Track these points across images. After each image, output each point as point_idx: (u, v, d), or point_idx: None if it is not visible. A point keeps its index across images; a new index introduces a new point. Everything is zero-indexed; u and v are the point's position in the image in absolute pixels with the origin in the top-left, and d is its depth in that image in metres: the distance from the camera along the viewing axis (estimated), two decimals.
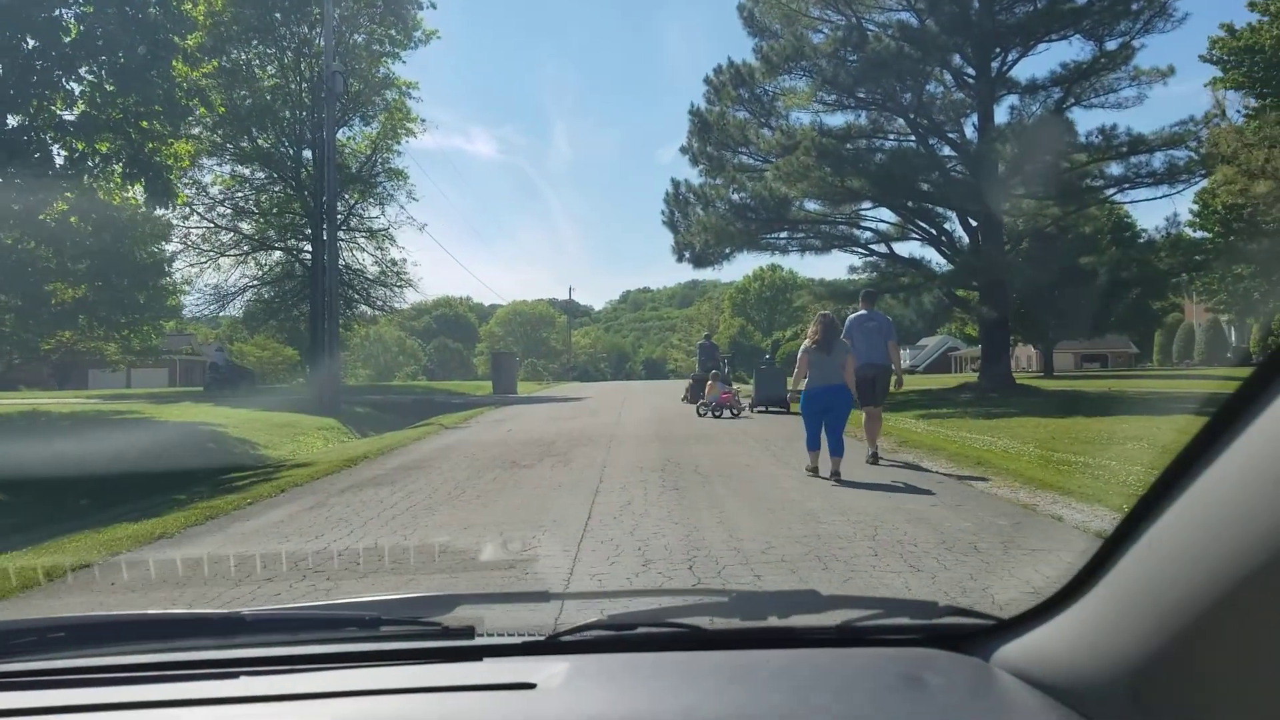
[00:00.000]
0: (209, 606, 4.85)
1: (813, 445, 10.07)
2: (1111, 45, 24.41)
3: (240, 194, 37.33)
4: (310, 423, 20.91)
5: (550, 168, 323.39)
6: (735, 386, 22.05)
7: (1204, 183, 27.86)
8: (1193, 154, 23.61)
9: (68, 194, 19.88)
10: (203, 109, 23.04)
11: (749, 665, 1.62)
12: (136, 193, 22.47)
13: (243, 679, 1.57)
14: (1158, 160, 23.97)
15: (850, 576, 5.40)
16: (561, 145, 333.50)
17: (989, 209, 24.95)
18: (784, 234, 28.70)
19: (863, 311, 11.76)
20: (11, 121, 18.49)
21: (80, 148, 19.80)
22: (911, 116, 26.24)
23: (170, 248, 31.72)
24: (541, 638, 1.70)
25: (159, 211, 26.19)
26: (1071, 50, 49.02)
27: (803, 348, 10.37)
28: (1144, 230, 39.13)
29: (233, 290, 38.01)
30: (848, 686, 1.53)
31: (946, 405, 21.51)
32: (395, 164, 38.43)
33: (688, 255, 29.04)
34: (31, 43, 18.42)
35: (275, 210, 37.67)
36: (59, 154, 19.99)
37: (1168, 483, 1.13)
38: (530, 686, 1.49)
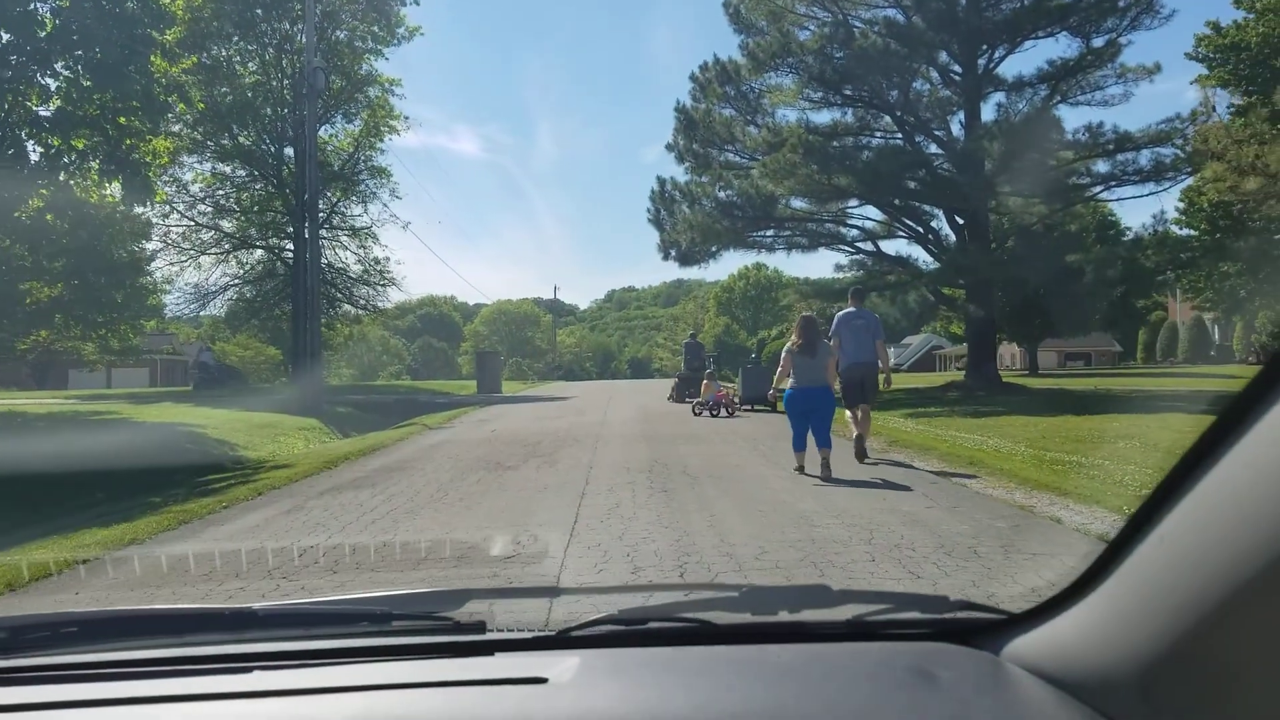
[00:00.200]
0: None
1: (799, 446, 10.11)
2: (1098, 42, 24.34)
3: (221, 192, 36.98)
4: (291, 423, 20.59)
5: (535, 166, 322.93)
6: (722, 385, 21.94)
7: (1190, 180, 27.84)
8: (1179, 151, 23.57)
9: (43, 191, 19.54)
10: (182, 105, 22.74)
11: (759, 660, 1.61)
12: (114, 190, 22.21)
13: (256, 673, 1.57)
14: (1144, 158, 23.91)
15: (848, 584, 5.20)
16: (546, 144, 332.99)
17: (976, 207, 24.86)
18: (770, 232, 28.53)
19: (851, 309, 11.70)
20: None
21: (56, 144, 19.48)
22: (898, 114, 26.10)
23: (150, 246, 31.33)
24: (553, 632, 1.70)
25: (138, 209, 25.93)
26: (1058, 47, 49.22)
27: (785, 349, 10.39)
28: (1129, 228, 39.23)
29: (213, 289, 37.62)
30: (859, 681, 1.53)
31: (934, 404, 21.38)
32: (378, 162, 38.21)
33: (674, 253, 28.84)
34: (6, 37, 18.08)
35: (256, 208, 37.29)
36: (34, 150, 19.68)
37: (1179, 477, 1.13)
38: (542, 681, 1.49)
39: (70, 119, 19.38)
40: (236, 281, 38.60)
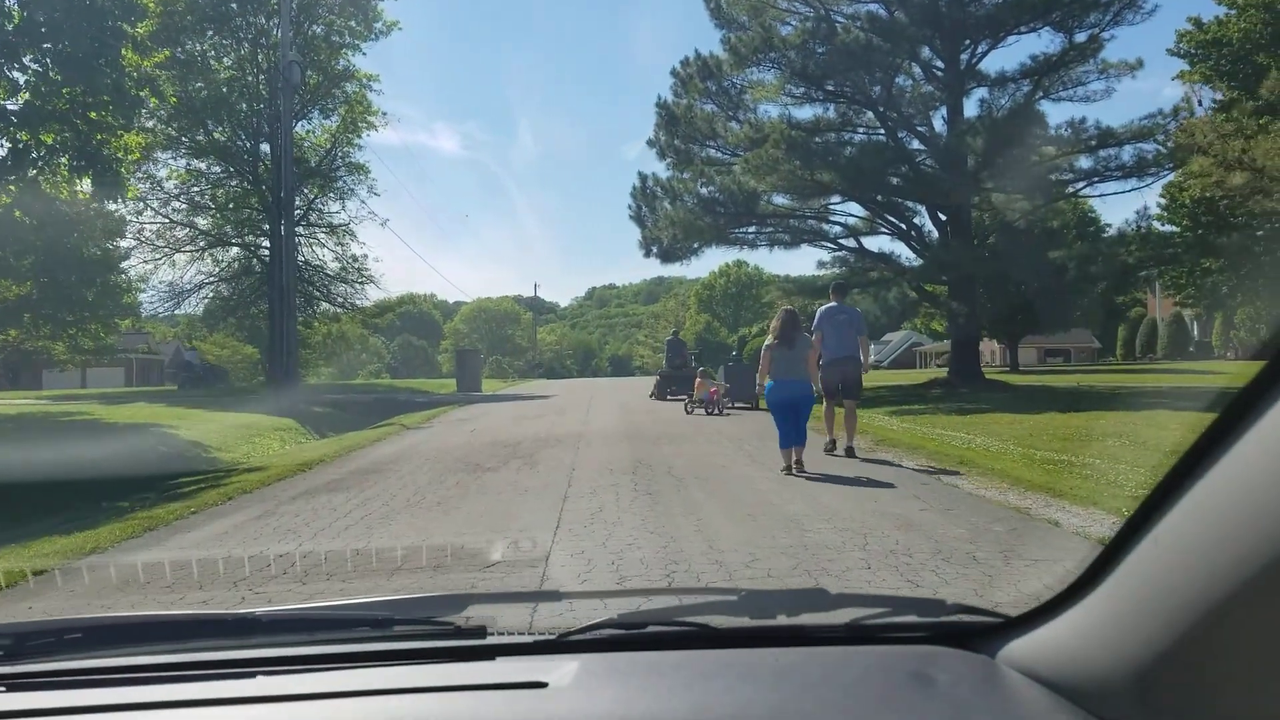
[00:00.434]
0: None
1: (785, 443, 9.95)
2: (1081, 37, 24.23)
3: (196, 188, 36.32)
4: (267, 424, 20.21)
5: (515, 163, 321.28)
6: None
7: (1172, 176, 27.82)
8: (1161, 147, 23.53)
9: (11, 187, 19.07)
10: (154, 99, 22.29)
11: (758, 663, 1.62)
12: (85, 186, 21.78)
13: (259, 678, 1.58)
14: (1127, 153, 23.89)
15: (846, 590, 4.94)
16: (527, 141, 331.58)
17: (959, 203, 24.74)
18: (753, 228, 28.28)
19: (833, 304, 11.65)
20: None
21: (24, 139, 19.07)
22: (881, 109, 25.91)
23: (124, 244, 30.76)
24: (553, 637, 1.71)
25: (109, 206, 25.47)
26: (1041, 43, 49.20)
27: (765, 344, 10.33)
28: (1108, 225, 39.23)
29: (188, 287, 37.00)
30: (856, 684, 1.54)
31: (918, 401, 21.24)
32: (356, 158, 37.56)
33: (655, 250, 28.57)
34: None
35: (232, 205, 36.71)
36: (2, 145, 19.26)
37: (1175, 479, 1.12)
38: (542, 685, 1.50)
39: (39, 113, 18.94)
40: (212, 279, 37.99)
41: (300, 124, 35.73)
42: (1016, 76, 25.32)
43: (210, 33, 33.65)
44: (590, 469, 10.61)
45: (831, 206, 27.85)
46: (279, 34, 28.34)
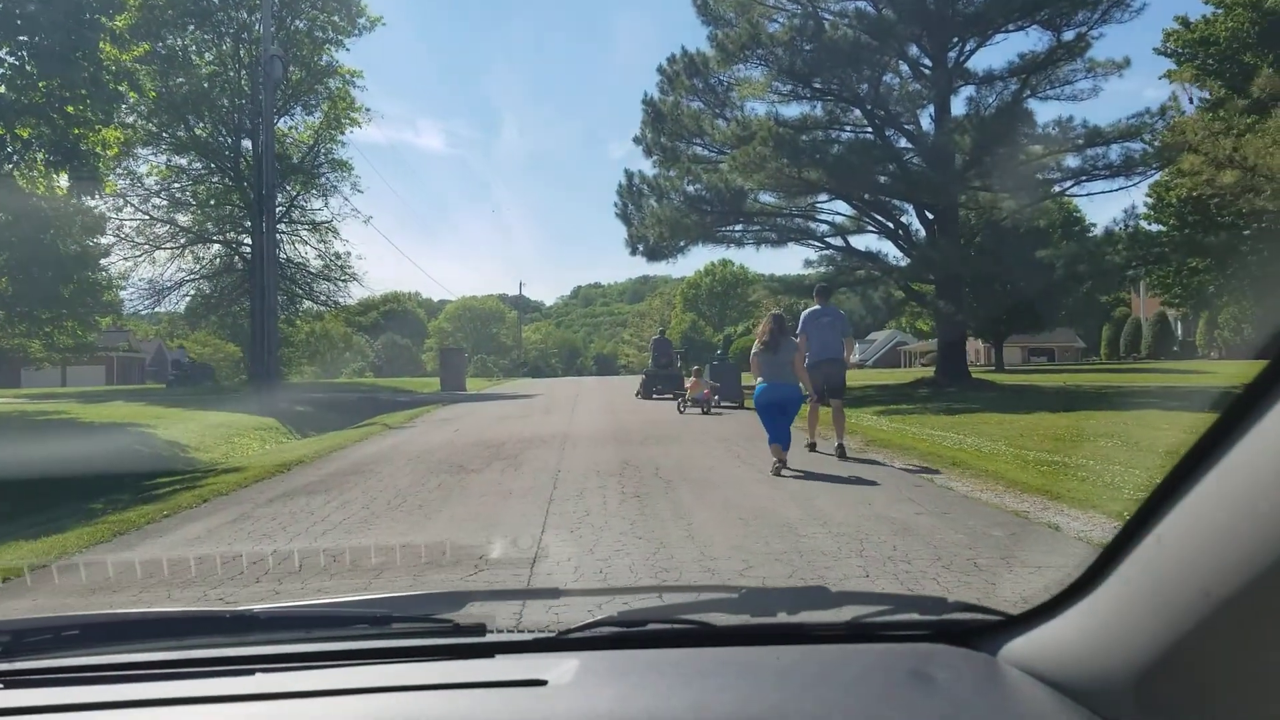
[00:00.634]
0: None
1: (774, 439, 10.10)
2: (1069, 35, 24.14)
3: (177, 185, 35.91)
4: (248, 423, 19.90)
5: (500, 161, 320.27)
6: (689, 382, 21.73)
7: (1158, 175, 27.77)
8: (1148, 147, 23.47)
9: None
10: (133, 93, 21.95)
11: (759, 661, 1.61)
12: (62, 181, 21.42)
13: (257, 676, 1.57)
14: (1114, 153, 23.83)
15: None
16: (512, 139, 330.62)
17: (946, 202, 24.62)
18: (739, 227, 28.11)
19: (817, 307, 11.80)
20: None
21: (0, 132, 18.70)
22: (868, 107, 25.77)
23: (104, 241, 30.28)
24: (552, 634, 1.70)
25: (90, 202, 25.08)
26: (1029, 41, 49.21)
27: (753, 350, 10.45)
28: (1093, 224, 39.25)
29: (169, 285, 36.54)
30: (857, 682, 1.53)
31: (905, 401, 21.10)
32: (339, 155, 37.19)
33: (641, 248, 28.39)
34: None
35: (213, 202, 36.30)
36: None
37: (1178, 477, 1.11)
38: (542, 683, 1.49)
39: (14, 107, 18.61)
40: (193, 277, 37.55)
41: (283, 120, 35.39)
42: (1004, 75, 25.21)
43: (191, 27, 33.28)
44: (576, 470, 10.38)
45: (818, 205, 27.75)
46: (261, 29, 27.95)
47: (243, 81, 33.83)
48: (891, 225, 27.29)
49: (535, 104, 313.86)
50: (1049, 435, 12.88)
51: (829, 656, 1.66)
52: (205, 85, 33.45)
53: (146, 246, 35.15)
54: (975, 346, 59.47)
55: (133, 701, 1.49)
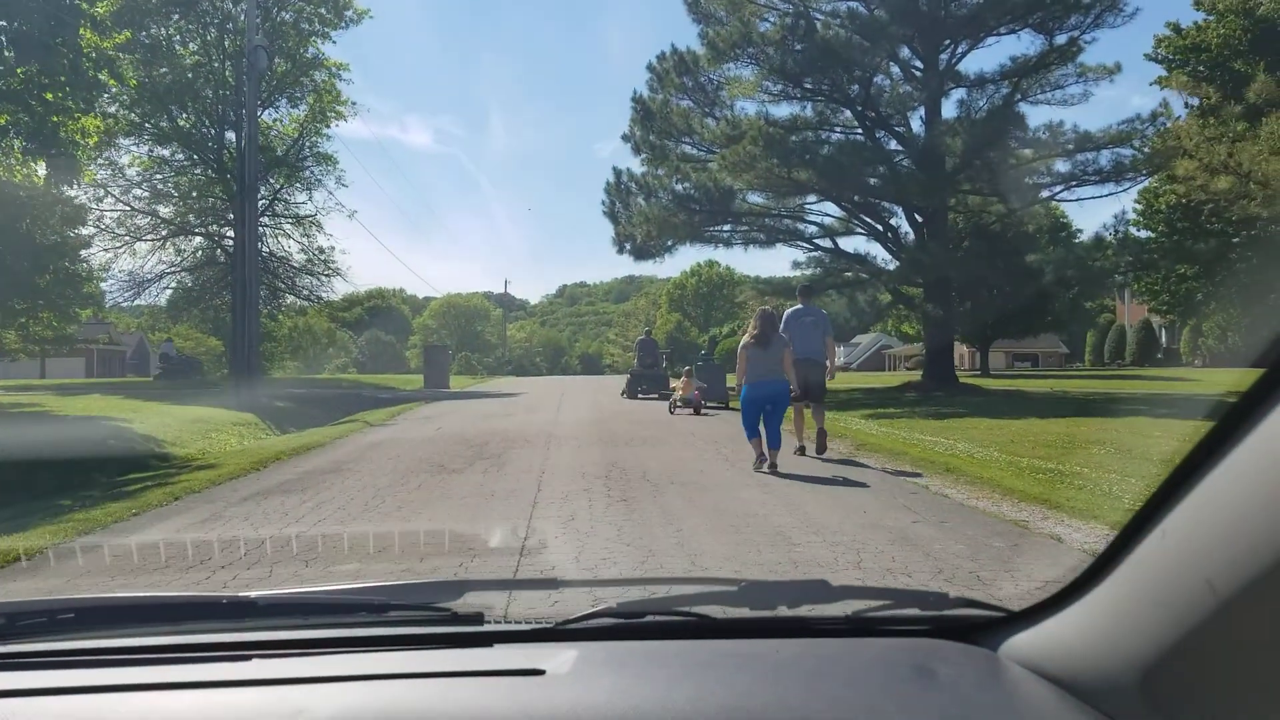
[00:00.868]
0: None
1: (753, 434, 10.23)
2: (1061, 39, 24.04)
3: (159, 176, 35.46)
4: (226, 418, 19.52)
5: (487, 159, 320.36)
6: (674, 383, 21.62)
7: (1148, 181, 27.71)
8: (1138, 153, 23.41)
9: None
10: (113, 81, 21.55)
11: (758, 654, 1.60)
12: (40, 169, 21.04)
13: (254, 661, 1.57)
14: (1104, 158, 23.77)
15: None
16: (499, 137, 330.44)
17: (936, 204, 24.47)
18: (728, 227, 27.89)
19: (799, 306, 11.88)
20: None
21: None
22: (859, 109, 25.60)
23: (85, 232, 29.78)
24: (551, 625, 1.69)
25: (69, 192, 24.64)
26: (1020, 45, 49.24)
27: (742, 344, 10.48)
28: (1079, 230, 39.27)
29: (149, 277, 36.07)
30: (857, 676, 1.52)
31: (892, 405, 20.93)
32: (324, 148, 36.81)
33: (628, 247, 28.12)
34: None
35: (195, 194, 35.86)
36: None
37: (1183, 474, 1.10)
38: (539, 673, 1.48)
39: None
40: (173, 269, 37.09)
41: (267, 112, 34.98)
42: (995, 78, 25.10)
43: (176, 16, 32.80)
44: (561, 472, 10.11)
45: (807, 206, 27.57)
46: (246, 19, 27.56)
47: (227, 73, 33.40)
48: (880, 228, 27.14)
49: (523, 101, 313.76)
50: (1041, 442, 12.70)
51: (829, 650, 1.64)
52: (189, 76, 32.99)
53: (127, 238, 34.71)
54: (960, 351, 59.52)
55: (127, 685, 1.47)
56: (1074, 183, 24.67)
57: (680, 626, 1.70)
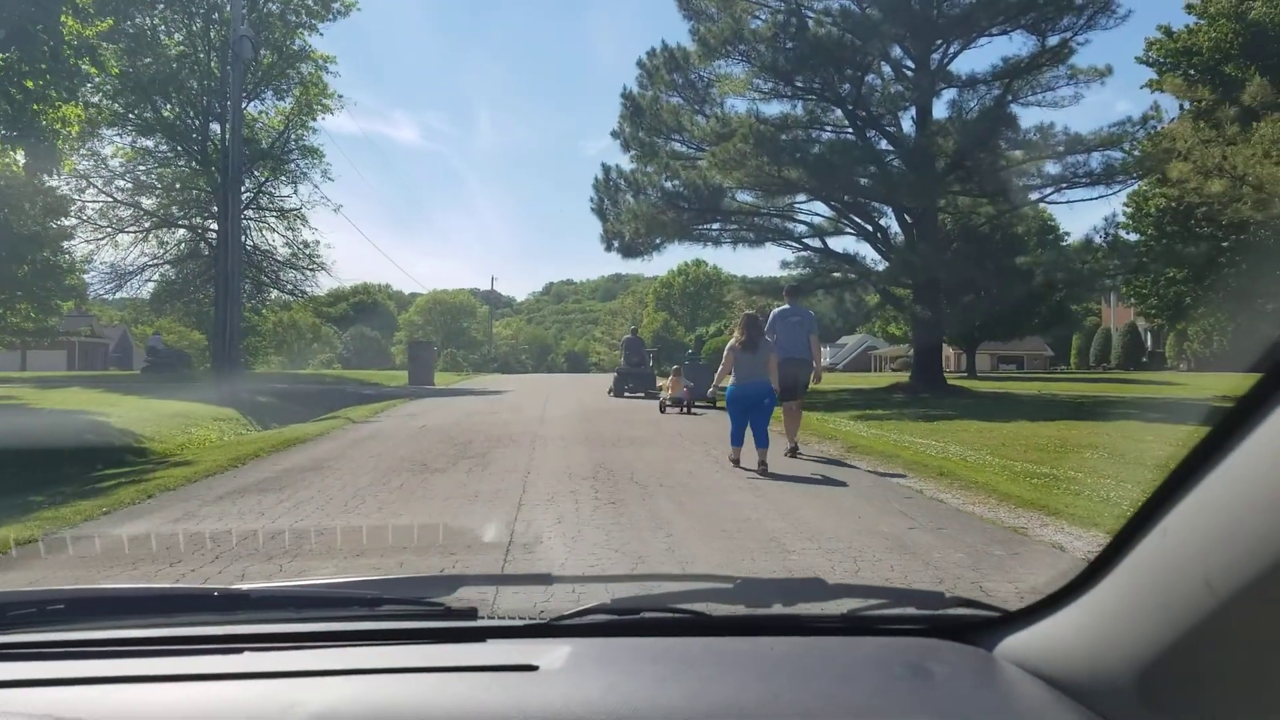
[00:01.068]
0: None
1: (736, 441, 10.40)
2: (1053, 41, 23.93)
3: (142, 167, 35.03)
4: (207, 413, 19.21)
5: (475, 156, 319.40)
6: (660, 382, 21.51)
7: (1138, 184, 27.66)
8: (1128, 156, 23.35)
9: None
10: (94, 70, 21.20)
11: (752, 652, 1.60)
12: (18, 158, 20.70)
13: (246, 654, 1.56)
14: (1095, 160, 23.70)
15: None
16: (487, 133, 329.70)
17: (926, 205, 24.34)
18: (716, 225, 27.70)
19: (785, 306, 11.97)
20: None
21: None
22: (850, 108, 25.43)
23: (67, 223, 29.36)
24: (544, 620, 1.68)
25: (50, 182, 24.27)
26: (1012, 46, 49.24)
27: (728, 346, 10.60)
28: (1067, 233, 39.30)
29: (131, 269, 35.61)
30: (852, 675, 1.51)
31: (880, 406, 20.79)
32: (310, 141, 36.42)
33: (616, 245, 27.92)
34: None
35: (179, 186, 35.41)
36: None
37: (1181, 476, 1.10)
38: (532, 668, 1.47)
39: None
40: (156, 262, 36.63)
41: (253, 104, 34.60)
42: (987, 79, 25.00)
43: (161, 6, 32.41)
44: (547, 473, 9.88)
45: (797, 205, 27.40)
46: (231, 9, 27.21)
47: (212, 64, 33.03)
48: (870, 228, 27.00)
49: (512, 96, 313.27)
50: (1033, 445, 12.58)
51: (824, 648, 1.64)
52: (174, 66, 32.58)
53: (109, 229, 34.27)
54: (946, 353, 59.54)
55: (118, 677, 1.46)
56: (1064, 185, 24.58)
57: (674, 623, 1.69)
